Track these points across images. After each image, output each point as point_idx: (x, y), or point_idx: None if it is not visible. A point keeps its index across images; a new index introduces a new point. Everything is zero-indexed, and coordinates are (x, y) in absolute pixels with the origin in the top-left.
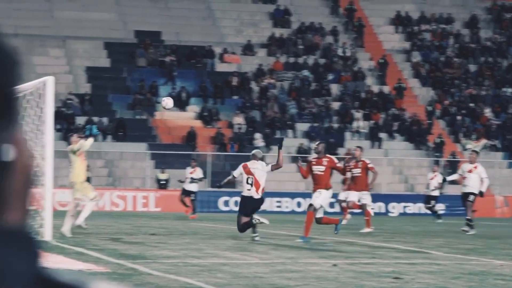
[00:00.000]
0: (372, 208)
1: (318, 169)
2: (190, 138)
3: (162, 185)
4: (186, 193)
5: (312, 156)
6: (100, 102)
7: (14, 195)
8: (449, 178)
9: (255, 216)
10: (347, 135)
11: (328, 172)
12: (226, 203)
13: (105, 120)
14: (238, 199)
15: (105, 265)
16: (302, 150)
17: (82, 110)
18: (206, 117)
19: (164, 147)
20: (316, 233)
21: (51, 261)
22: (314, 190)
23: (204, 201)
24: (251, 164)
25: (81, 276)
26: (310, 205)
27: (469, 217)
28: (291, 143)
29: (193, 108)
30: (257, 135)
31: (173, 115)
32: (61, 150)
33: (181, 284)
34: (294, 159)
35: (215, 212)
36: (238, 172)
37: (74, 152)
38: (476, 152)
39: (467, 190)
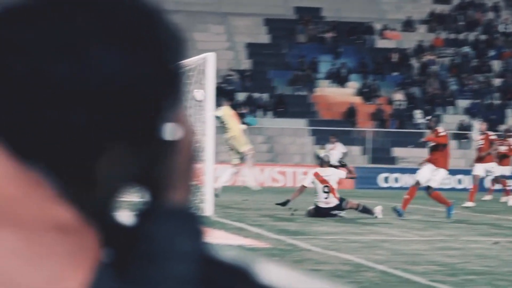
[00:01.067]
0: None
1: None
2: (350, 114)
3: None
4: None
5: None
6: (260, 78)
7: (178, 174)
8: None
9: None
10: (509, 112)
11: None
12: (386, 180)
13: (265, 96)
14: (399, 175)
15: (265, 241)
16: (462, 127)
17: (242, 86)
18: (366, 94)
19: (324, 123)
20: (475, 211)
21: (212, 237)
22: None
23: (364, 177)
24: (323, 172)
25: (244, 257)
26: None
27: None
28: (452, 119)
29: (353, 85)
30: (417, 112)
31: (333, 91)
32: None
33: (340, 260)
34: (456, 136)
35: (374, 188)
36: (309, 181)
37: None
38: None
39: None
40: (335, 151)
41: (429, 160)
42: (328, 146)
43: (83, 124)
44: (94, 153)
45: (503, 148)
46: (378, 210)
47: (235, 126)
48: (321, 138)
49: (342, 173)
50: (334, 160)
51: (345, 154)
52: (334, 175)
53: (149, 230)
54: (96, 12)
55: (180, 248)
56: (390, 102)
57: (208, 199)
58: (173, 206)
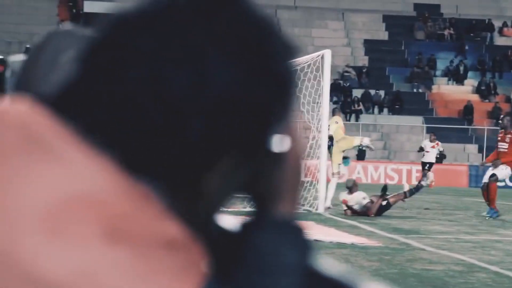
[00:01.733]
0: None
1: (501, 146)
2: (467, 112)
3: (437, 159)
4: (430, 165)
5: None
6: (378, 75)
7: (285, 186)
8: None
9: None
10: None
11: None
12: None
13: (382, 93)
14: None
15: (377, 239)
16: None
17: (359, 83)
18: (484, 91)
19: (440, 121)
20: None
21: (323, 233)
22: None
23: (480, 175)
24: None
25: (351, 275)
26: (493, 175)
27: None
28: None
29: (471, 82)
30: None
31: (450, 89)
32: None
33: (453, 260)
34: None
35: None
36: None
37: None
38: None
39: None
40: (435, 149)
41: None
42: (427, 143)
43: (199, 135)
44: (206, 166)
45: None
46: (430, 175)
47: (339, 131)
48: (437, 136)
49: (364, 202)
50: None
51: (442, 153)
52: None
53: (255, 241)
54: (213, 22)
55: (286, 261)
56: (507, 100)
57: (321, 196)
58: (280, 218)
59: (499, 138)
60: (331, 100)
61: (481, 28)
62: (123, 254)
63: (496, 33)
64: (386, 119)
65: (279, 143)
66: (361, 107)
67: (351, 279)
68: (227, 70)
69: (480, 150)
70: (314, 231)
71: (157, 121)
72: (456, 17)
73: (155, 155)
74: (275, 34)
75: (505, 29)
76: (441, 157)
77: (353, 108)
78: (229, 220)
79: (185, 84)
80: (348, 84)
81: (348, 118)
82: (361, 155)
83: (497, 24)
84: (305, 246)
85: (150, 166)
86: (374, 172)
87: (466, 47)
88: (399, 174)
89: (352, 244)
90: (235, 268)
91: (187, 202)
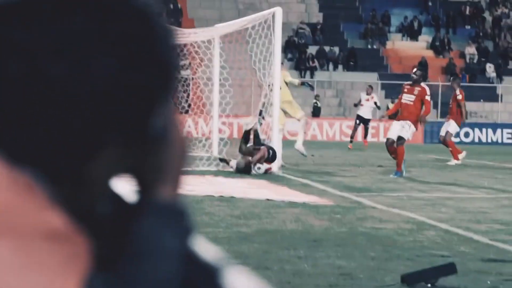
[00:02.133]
0: None
1: (408, 98)
2: (421, 68)
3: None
4: (361, 120)
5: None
6: (332, 31)
7: (167, 170)
8: None
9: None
10: None
11: (418, 103)
12: (456, 134)
13: (336, 49)
14: (469, 130)
15: (329, 198)
16: None
17: (313, 40)
18: (438, 47)
19: (395, 77)
20: None
21: (275, 192)
22: (398, 120)
23: (434, 131)
24: None
25: (222, 261)
26: (399, 138)
27: None
28: None
29: (425, 38)
30: (489, 66)
31: (404, 45)
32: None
33: (403, 218)
34: None
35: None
36: None
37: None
38: None
39: None
40: (370, 102)
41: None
42: (363, 95)
43: (80, 126)
44: (89, 154)
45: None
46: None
47: (287, 91)
48: (392, 92)
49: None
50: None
51: (377, 106)
52: None
53: (137, 225)
54: (93, 13)
55: (165, 245)
56: (462, 55)
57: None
58: (162, 202)
59: (405, 90)
60: (285, 57)
61: None
62: (3, 248)
63: None
64: (341, 76)
65: (161, 129)
66: (316, 64)
67: (221, 265)
68: (107, 58)
69: (435, 106)
70: (267, 190)
71: (36, 112)
72: None
73: (36, 145)
74: (155, 19)
75: None
76: (375, 110)
77: (307, 65)
78: (122, 190)
79: (64, 74)
80: (302, 41)
81: (303, 75)
82: (316, 112)
83: None
84: (185, 230)
85: (32, 157)
86: (329, 129)
87: (420, 3)
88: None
89: (304, 203)
90: (117, 254)
91: (71, 192)
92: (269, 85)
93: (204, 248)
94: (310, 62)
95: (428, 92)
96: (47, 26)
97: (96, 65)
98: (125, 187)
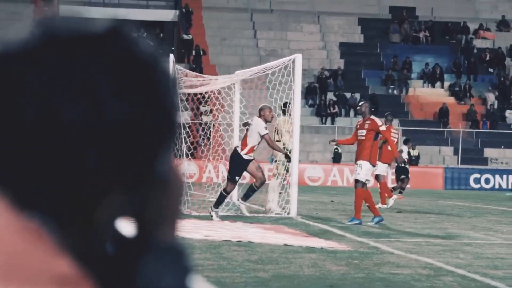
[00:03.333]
0: None
1: (361, 134)
2: (442, 114)
3: (413, 161)
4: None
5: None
6: (353, 77)
7: (167, 212)
8: None
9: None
10: None
11: (371, 137)
12: (476, 181)
13: (357, 95)
14: (490, 176)
15: (347, 244)
16: None
17: (335, 86)
18: (459, 93)
19: (416, 123)
20: None
21: (293, 238)
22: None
23: (455, 177)
24: None
25: None
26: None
27: None
28: None
29: (446, 85)
30: (510, 112)
31: (425, 92)
32: (312, 125)
33: (420, 263)
34: None
35: (466, 189)
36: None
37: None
38: None
39: None
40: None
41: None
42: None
43: (91, 170)
44: (97, 199)
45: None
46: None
47: (285, 138)
48: (413, 138)
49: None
50: None
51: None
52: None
53: (138, 266)
54: (103, 57)
55: (166, 285)
56: (483, 102)
57: (293, 199)
58: (161, 243)
59: (358, 126)
60: (306, 103)
61: (457, 30)
62: None
63: (471, 36)
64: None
65: (164, 171)
66: (337, 110)
67: None
68: (118, 103)
69: (456, 152)
70: (285, 235)
71: (48, 157)
72: (431, 19)
73: (45, 190)
74: (160, 65)
75: (480, 31)
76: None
77: (328, 111)
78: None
79: (78, 119)
80: (323, 87)
81: (323, 121)
82: (336, 158)
83: (472, 26)
84: (185, 270)
85: (41, 202)
86: (349, 175)
87: (442, 50)
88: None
89: (322, 248)
90: None
91: (79, 236)
92: (288, 131)
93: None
94: (331, 108)
95: (379, 123)
96: (61, 71)
97: (108, 111)
98: (126, 227)
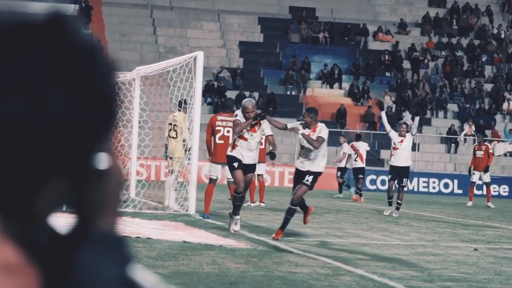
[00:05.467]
0: None
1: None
2: (340, 115)
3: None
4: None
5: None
6: (252, 77)
7: (106, 201)
8: None
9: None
10: (498, 117)
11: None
12: (372, 182)
13: (256, 95)
14: (385, 178)
15: (245, 242)
16: (452, 131)
17: (233, 84)
18: (357, 95)
19: None
20: (459, 216)
21: (192, 235)
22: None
23: (351, 178)
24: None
25: (163, 285)
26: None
27: None
28: (442, 123)
29: (344, 86)
30: (407, 114)
31: (323, 92)
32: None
33: (319, 263)
34: (444, 140)
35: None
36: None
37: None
38: None
39: None
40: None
41: None
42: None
43: (33, 160)
44: (38, 188)
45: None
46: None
47: (185, 135)
48: None
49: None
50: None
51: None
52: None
53: (77, 255)
54: (42, 51)
55: (106, 274)
56: (379, 104)
57: (191, 197)
58: (101, 232)
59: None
60: (205, 101)
61: (356, 32)
62: None
63: (370, 38)
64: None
65: (101, 161)
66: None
67: None
68: (59, 98)
69: None
70: (183, 232)
71: None
72: (331, 21)
73: None
74: (99, 57)
75: (379, 33)
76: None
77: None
78: (58, 225)
79: (19, 110)
80: (222, 85)
81: None
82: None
83: (371, 28)
84: (124, 259)
85: None
86: None
87: (341, 51)
88: (272, 175)
89: (220, 246)
90: (60, 284)
91: (20, 224)
92: (188, 128)
93: (142, 276)
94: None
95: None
96: (1, 64)
97: (48, 102)
98: (58, 220)
